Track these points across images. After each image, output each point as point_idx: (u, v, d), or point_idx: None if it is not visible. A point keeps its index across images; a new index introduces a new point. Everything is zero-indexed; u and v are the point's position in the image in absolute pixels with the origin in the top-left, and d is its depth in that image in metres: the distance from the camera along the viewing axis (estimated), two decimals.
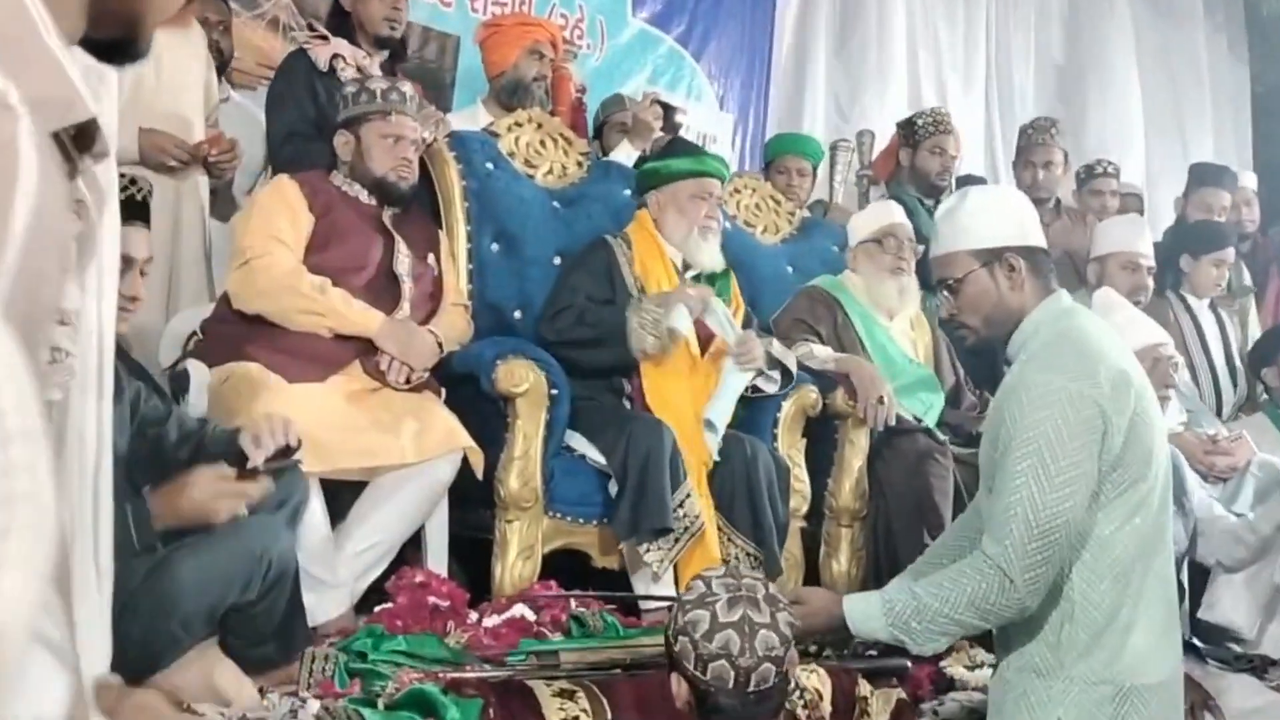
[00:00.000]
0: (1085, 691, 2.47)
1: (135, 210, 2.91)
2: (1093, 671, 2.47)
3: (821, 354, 4.19)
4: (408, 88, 3.80)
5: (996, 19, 8.63)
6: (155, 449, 2.85)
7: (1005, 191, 2.75)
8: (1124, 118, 8.92)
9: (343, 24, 4.36)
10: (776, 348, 3.95)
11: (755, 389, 3.92)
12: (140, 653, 2.53)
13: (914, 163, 5.39)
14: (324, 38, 4.27)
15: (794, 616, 2.30)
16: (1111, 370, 2.48)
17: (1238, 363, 5.44)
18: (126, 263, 2.79)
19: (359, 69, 4.19)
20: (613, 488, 3.58)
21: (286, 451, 2.80)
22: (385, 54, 4.39)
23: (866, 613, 2.59)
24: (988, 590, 2.44)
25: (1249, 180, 6.64)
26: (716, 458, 3.71)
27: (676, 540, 3.53)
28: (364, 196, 3.72)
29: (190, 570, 2.62)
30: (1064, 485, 2.41)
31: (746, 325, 4.05)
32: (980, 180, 6.64)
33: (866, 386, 4.05)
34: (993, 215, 2.69)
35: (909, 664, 3.11)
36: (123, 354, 2.82)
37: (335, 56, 4.20)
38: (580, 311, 3.82)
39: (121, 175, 2.81)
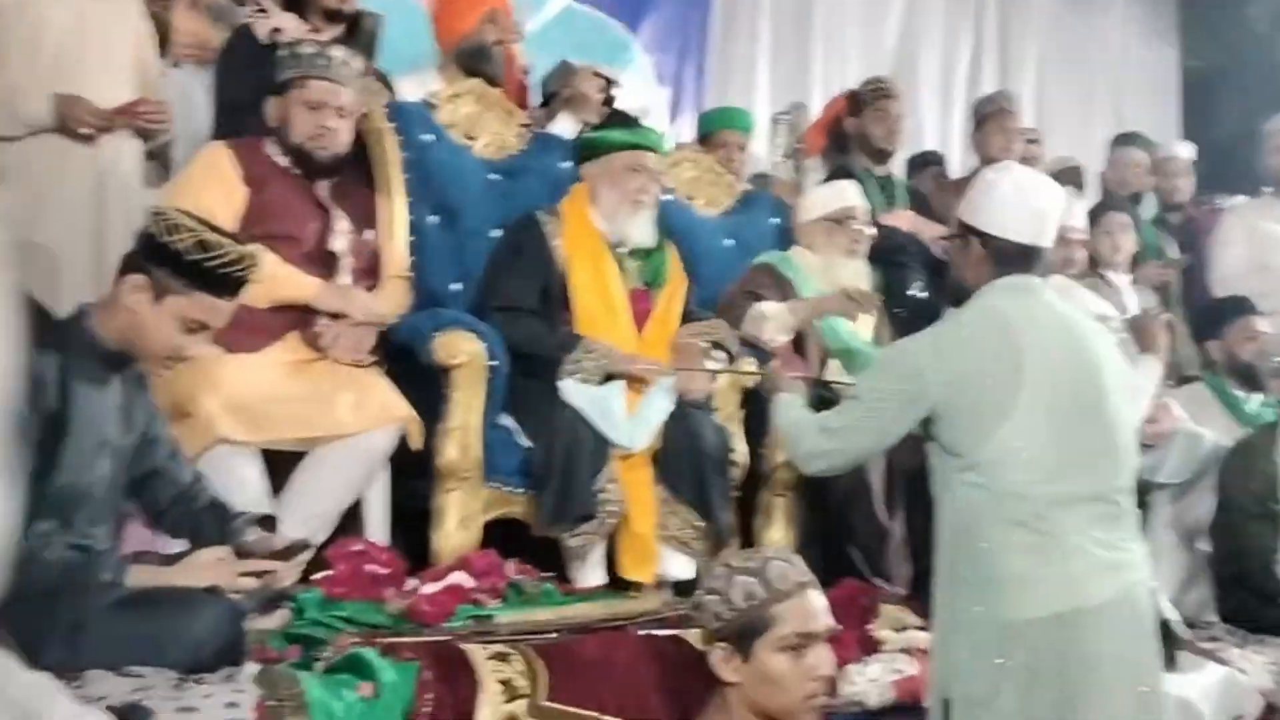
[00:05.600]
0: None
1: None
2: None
3: (772, 310, 4.23)
4: (339, 53, 3.77)
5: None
6: (169, 508, 2.97)
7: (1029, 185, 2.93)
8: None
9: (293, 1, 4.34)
10: (724, 332, 4.00)
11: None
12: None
13: (859, 129, 5.42)
14: (264, 11, 4.26)
15: None
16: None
17: None
18: (204, 328, 2.82)
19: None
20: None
21: (291, 550, 2.88)
22: (340, 28, 4.34)
23: (781, 403, 3.19)
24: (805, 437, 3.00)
25: (1184, 151, 6.69)
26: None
27: (600, 525, 3.60)
28: (291, 166, 3.72)
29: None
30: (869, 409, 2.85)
31: (687, 299, 4.10)
32: (932, 157, 6.70)
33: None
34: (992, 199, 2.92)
35: None
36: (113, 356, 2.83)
37: (275, 30, 4.19)
38: (533, 324, 3.83)
39: (222, 249, 2.76)
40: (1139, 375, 4.19)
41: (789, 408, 3.18)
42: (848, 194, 4.62)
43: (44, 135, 3.83)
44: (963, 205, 3.01)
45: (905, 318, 4.82)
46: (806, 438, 2.98)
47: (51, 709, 1.82)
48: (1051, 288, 2.98)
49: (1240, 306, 5.16)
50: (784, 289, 4.37)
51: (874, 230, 4.63)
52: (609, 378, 3.75)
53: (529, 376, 3.76)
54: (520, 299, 3.86)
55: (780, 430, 3.22)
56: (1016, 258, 2.87)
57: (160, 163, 4.24)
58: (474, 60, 4.83)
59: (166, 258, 2.71)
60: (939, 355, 2.79)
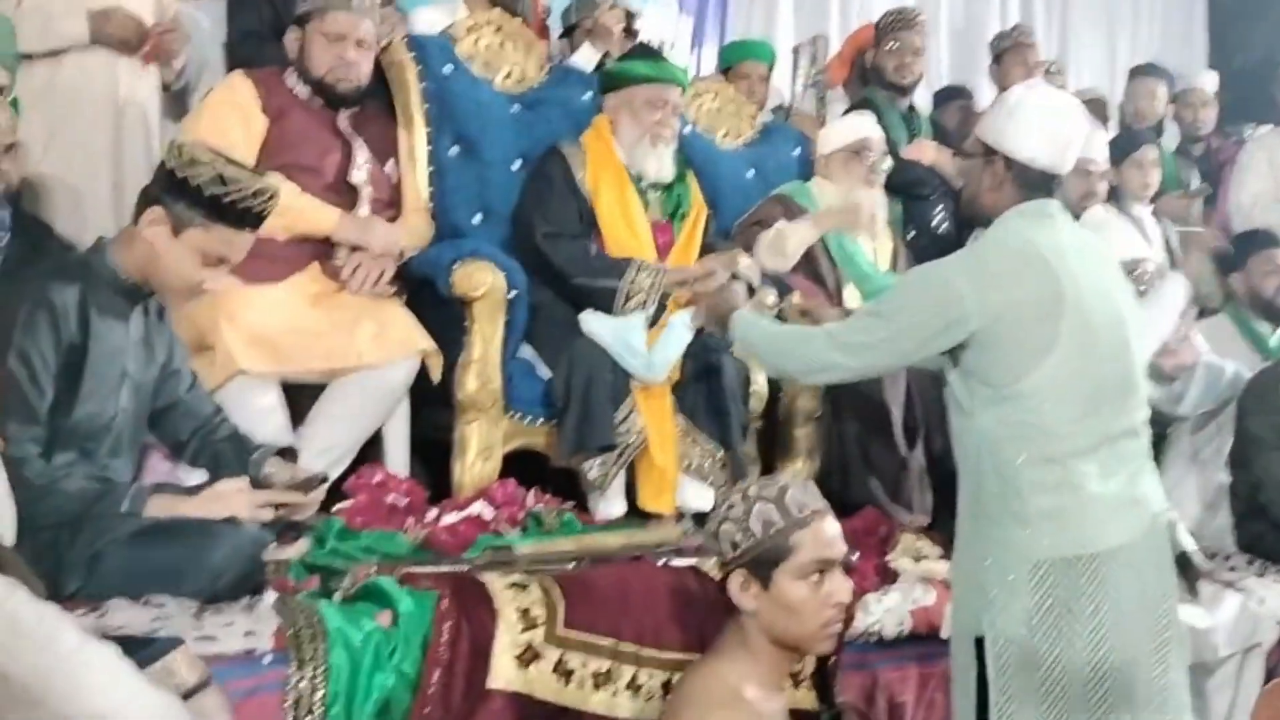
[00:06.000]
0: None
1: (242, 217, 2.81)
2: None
3: (791, 227, 4.23)
4: None
5: None
6: (189, 440, 3.02)
7: (1057, 108, 2.86)
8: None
9: None
10: (743, 263, 3.98)
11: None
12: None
13: (875, 62, 5.38)
14: None
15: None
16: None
17: (1178, 266, 5.50)
18: (222, 261, 2.82)
19: None
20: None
21: (310, 482, 2.91)
22: None
23: (745, 317, 3.08)
24: (808, 350, 2.90)
25: (1207, 82, 6.63)
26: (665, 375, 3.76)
27: (620, 456, 3.61)
28: (312, 97, 3.72)
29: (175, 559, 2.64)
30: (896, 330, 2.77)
31: (706, 230, 4.10)
32: (959, 91, 6.63)
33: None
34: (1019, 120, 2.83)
35: None
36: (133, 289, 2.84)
37: None
38: (587, 249, 3.83)
39: (240, 182, 2.76)
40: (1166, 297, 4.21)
41: (761, 323, 3.12)
42: (863, 126, 4.60)
43: (65, 65, 3.83)
44: (985, 123, 2.91)
45: (926, 249, 4.81)
46: (813, 349, 2.89)
47: (58, 639, 1.84)
48: (1092, 223, 2.93)
49: (1263, 239, 5.13)
50: (797, 219, 4.36)
51: (890, 162, 4.61)
52: (662, 301, 3.77)
53: (557, 305, 3.78)
54: (563, 225, 3.87)
55: (756, 344, 3.08)
56: (1039, 183, 2.81)
57: (173, 94, 4.24)
58: None
59: (185, 191, 2.72)
60: (981, 282, 2.70)
